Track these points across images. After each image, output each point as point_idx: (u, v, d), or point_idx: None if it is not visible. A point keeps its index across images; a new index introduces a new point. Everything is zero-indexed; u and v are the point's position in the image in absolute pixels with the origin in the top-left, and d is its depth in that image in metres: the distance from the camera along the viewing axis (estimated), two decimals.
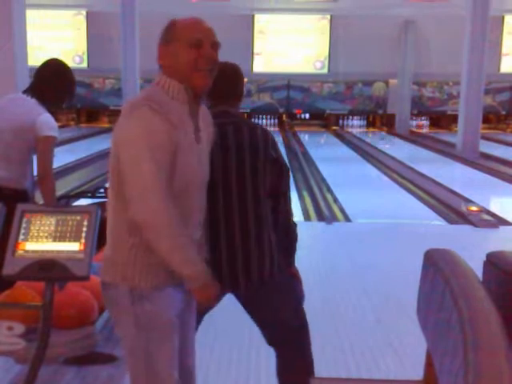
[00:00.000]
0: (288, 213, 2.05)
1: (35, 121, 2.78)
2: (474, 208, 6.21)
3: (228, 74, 2.04)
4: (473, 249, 3.68)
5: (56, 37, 17.56)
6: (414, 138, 15.74)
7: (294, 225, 2.07)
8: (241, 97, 2.06)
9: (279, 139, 15.07)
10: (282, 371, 2.09)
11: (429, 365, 1.58)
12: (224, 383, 2.60)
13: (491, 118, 18.14)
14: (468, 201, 6.65)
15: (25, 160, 2.92)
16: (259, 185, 1.92)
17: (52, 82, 2.87)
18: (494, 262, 1.78)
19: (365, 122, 18.72)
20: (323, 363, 2.79)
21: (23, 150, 2.86)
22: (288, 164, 2.06)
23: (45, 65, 2.93)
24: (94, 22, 17.23)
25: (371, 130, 18.29)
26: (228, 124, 1.93)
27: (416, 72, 16.98)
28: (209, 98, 1.93)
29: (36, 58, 15.33)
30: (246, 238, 1.89)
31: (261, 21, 17.53)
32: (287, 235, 2.04)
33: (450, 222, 6.00)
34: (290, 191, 2.07)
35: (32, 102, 2.85)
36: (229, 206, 1.88)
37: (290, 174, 2.06)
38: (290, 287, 2.07)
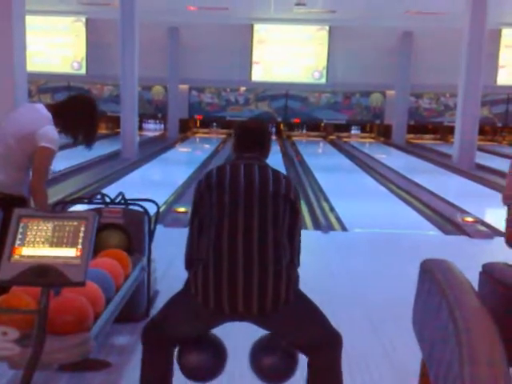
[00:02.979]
0: (297, 253, 2.15)
1: (37, 131, 2.81)
2: (469, 219, 6.23)
3: (256, 127, 2.25)
4: (468, 259, 3.69)
5: (55, 43, 17.59)
6: (410, 148, 15.80)
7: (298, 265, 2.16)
8: (267, 151, 2.22)
9: (277, 148, 15.11)
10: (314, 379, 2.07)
11: (424, 375, 1.58)
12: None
13: (487, 130, 18.22)
14: (463, 211, 6.67)
15: (24, 167, 2.93)
16: (279, 218, 2.02)
17: (75, 114, 2.93)
18: (489, 272, 1.79)
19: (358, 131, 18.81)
20: None
21: (23, 157, 2.89)
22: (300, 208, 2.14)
23: (79, 99, 3.02)
24: (93, 29, 17.28)
25: (368, 140, 18.35)
26: (254, 165, 2.09)
27: (413, 83, 17.07)
28: (236, 149, 2.18)
29: (35, 63, 15.40)
30: (263, 269, 1.94)
31: (260, 30, 17.63)
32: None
33: (446, 232, 6.01)
34: (300, 240, 2.16)
35: (44, 114, 2.89)
36: (249, 236, 1.96)
37: (301, 219, 2.17)
38: (306, 307, 2.07)
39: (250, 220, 1.97)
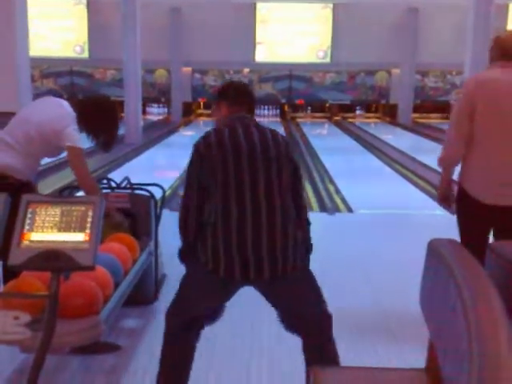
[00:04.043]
0: (306, 209, 2.16)
1: (63, 129, 2.85)
2: None
3: (244, 87, 2.26)
4: None
5: (57, 26, 17.48)
6: (416, 128, 15.69)
7: (309, 223, 2.16)
8: (254, 108, 2.25)
9: (281, 130, 15.05)
10: (309, 359, 2.10)
11: (431, 353, 1.59)
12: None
13: None
14: None
15: (38, 156, 2.99)
16: (283, 180, 2.02)
17: (99, 118, 2.97)
18: (496, 251, 1.79)
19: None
20: None
21: (41, 148, 2.93)
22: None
23: (104, 104, 3.05)
24: (94, 12, 17.14)
25: (374, 120, 18.24)
26: (251, 126, 2.09)
27: (419, 61, 16.88)
28: (233, 107, 2.15)
29: (37, 47, 15.31)
30: (272, 230, 1.96)
31: (263, 9, 17.42)
32: (305, 232, 2.13)
33: (452, 212, 5.99)
34: (303, 188, 2.19)
35: (70, 112, 2.93)
36: (256, 199, 1.97)
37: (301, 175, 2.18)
38: (311, 280, 2.11)
39: (256, 184, 1.97)
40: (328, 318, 2.10)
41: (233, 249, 1.94)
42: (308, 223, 2.16)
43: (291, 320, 2.09)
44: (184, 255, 2.13)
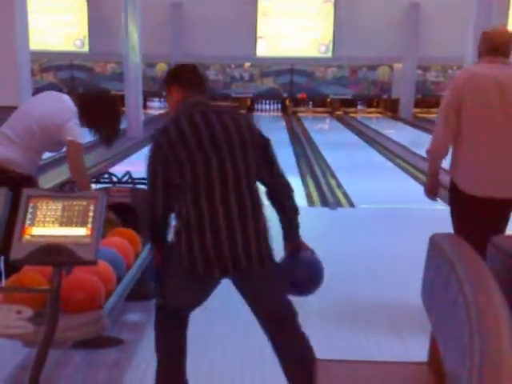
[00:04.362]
0: (288, 186, 2.09)
1: (64, 123, 2.85)
2: None
3: (192, 67, 2.15)
4: None
5: (58, 20, 17.42)
6: (418, 122, 15.66)
7: (294, 199, 2.11)
8: (207, 86, 2.16)
9: (282, 124, 15.02)
10: (286, 358, 2.10)
11: (433, 347, 1.60)
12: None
13: None
14: None
15: (39, 150, 2.99)
16: (251, 166, 1.98)
17: (102, 112, 2.96)
18: (498, 245, 1.79)
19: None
20: (326, 346, 2.81)
21: (42, 142, 2.94)
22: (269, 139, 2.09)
23: (106, 99, 3.04)
24: (95, 6, 17.08)
25: (375, 115, 18.19)
26: (210, 112, 2.00)
27: (420, 56, 16.82)
28: (180, 91, 2.05)
29: (37, 41, 15.27)
30: (244, 222, 1.94)
31: (264, 3, 17.35)
32: (293, 208, 2.09)
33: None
34: (278, 163, 2.10)
35: (71, 107, 2.93)
36: (226, 192, 1.93)
37: (272, 146, 2.10)
38: (278, 276, 2.09)
39: (224, 175, 1.93)
40: (292, 314, 2.10)
41: (208, 247, 1.93)
42: (294, 198, 2.11)
43: (261, 315, 2.09)
44: (156, 243, 2.13)
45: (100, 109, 2.97)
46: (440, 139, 2.85)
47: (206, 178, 1.92)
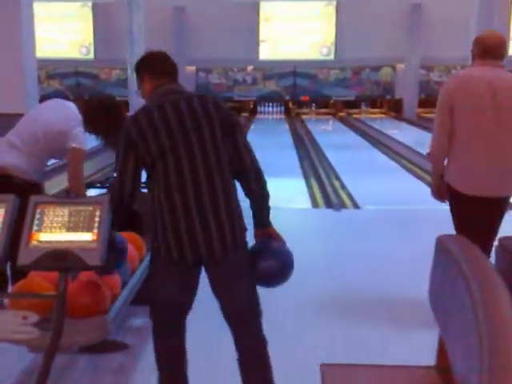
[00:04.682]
0: (258, 170, 2.05)
1: (69, 131, 2.87)
2: None
3: (164, 55, 2.14)
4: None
5: (63, 28, 17.54)
6: (422, 122, 15.63)
7: (264, 182, 2.07)
8: (177, 73, 2.14)
9: (285, 127, 15.03)
10: (243, 359, 2.09)
11: (441, 350, 1.59)
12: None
13: None
14: None
15: (44, 157, 3.01)
16: (221, 151, 1.96)
17: (107, 118, 2.97)
18: (505, 246, 1.78)
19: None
20: (332, 349, 2.81)
21: (47, 149, 2.96)
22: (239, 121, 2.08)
23: (111, 105, 3.04)
24: (99, 13, 17.17)
25: (379, 115, 18.17)
26: (180, 99, 1.99)
27: (423, 56, 16.79)
28: (152, 80, 2.05)
29: (43, 49, 15.35)
30: (216, 208, 1.93)
31: (266, 8, 17.39)
32: (262, 194, 2.05)
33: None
34: (251, 148, 2.07)
35: (76, 115, 2.95)
36: (196, 179, 1.93)
37: (242, 130, 2.07)
38: (249, 265, 2.05)
39: (194, 162, 1.93)
40: (256, 314, 2.08)
41: (182, 234, 1.92)
42: (264, 182, 2.07)
43: (226, 306, 2.07)
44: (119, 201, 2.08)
45: (104, 114, 2.98)
46: (438, 140, 2.93)
47: (176, 167, 1.93)
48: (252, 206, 2.06)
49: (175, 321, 2.12)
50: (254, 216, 2.08)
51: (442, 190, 3.03)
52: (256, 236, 2.10)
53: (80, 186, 2.92)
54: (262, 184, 2.06)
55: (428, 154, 3.06)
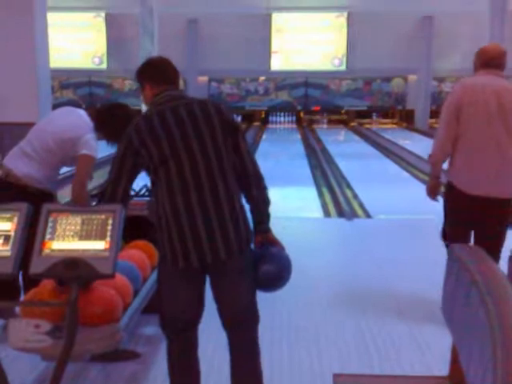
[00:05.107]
0: (258, 175, 2.06)
1: (80, 138, 2.90)
2: None
3: (164, 61, 2.16)
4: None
5: (76, 39, 17.76)
6: (433, 133, 15.56)
7: (266, 188, 2.08)
8: (179, 80, 2.15)
9: (297, 137, 15.05)
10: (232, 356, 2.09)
11: (454, 361, 1.57)
12: None
13: None
14: None
15: (57, 166, 3.04)
16: (223, 157, 1.97)
17: (119, 123, 2.97)
18: None
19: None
20: (345, 359, 2.78)
21: (59, 158, 2.98)
22: (239, 124, 2.09)
23: (120, 109, 3.09)
24: (112, 24, 17.37)
25: (391, 126, 18.13)
26: (180, 105, 2.00)
27: (435, 67, 16.77)
28: (153, 87, 2.06)
29: (57, 59, 15.56)
30: (220, 212, 1.94)
31: (278, 19, 17.50)
32: (262, 199, 2.06)
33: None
34: (252, 153, 2.08)
35: (87, 121, 2.99)
36: (199, 184, 1.93)
37: (244, 134, 2.07)
38: (252, 270, 2.05)
39: (196, 168, 1.93)
40: (254, 320, 2.08)
41: (187, 239, 1.93)
42: (265, 188, 2.07)
43: (224, 311, 2.07)
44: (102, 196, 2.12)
45: (114, 119, 3.01)
46: (442, 144, 3.10)
47: (178, 173, 1.94)
48: (252, 211, 2.07)
49: (185, 333, 2.11)
50: (254, 221, 2.08)
51: (437, 190, 3.28)
52: (255, 241, 2.10)
53: (82, 194, 2.92)
54: (262, 189, 2.06)
55: (429, 155, 3.24)
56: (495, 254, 3.00)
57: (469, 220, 3.11)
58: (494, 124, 2.98)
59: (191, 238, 1.93)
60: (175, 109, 1.99)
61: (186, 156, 1.94)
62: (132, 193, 3.41)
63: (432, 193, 3.31)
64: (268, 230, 2.09)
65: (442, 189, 3.30)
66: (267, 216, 2.08)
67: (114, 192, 2.02)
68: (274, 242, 2.10)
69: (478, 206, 3.05)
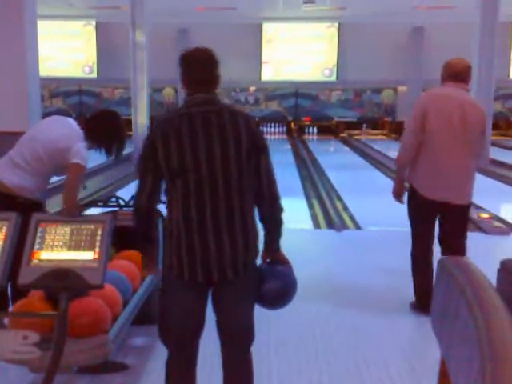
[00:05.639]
0: (274, 196, 2.03)
1: (70, 147, 2.90)
2: (485, 215, 6.17)
3: (203, 60, 2.00)
4: (484, 256, 3.67)
5: (66, 47, 17.73)
6: None
7: (281, 209, 2.06)
8: (218, 82, 2.02)
9: (287, 147, 15.09)
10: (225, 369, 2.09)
11: (443, 374, 1.57)
12: None
13: (501, 125, 18.04)
14: (479, 208, 6.61)
15: (46, 175, 3.03)
16: (243, 173, 1.92)
17: (108, 129, 3.03)
18: (508, 269, 1.78)
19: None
20: (334, 372, 2.78)
21: (49, 167, 2.97)
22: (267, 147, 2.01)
23: (107, 114, 3.11)
24: (103, 33, 17.38)
25: (380, 137, 18.25)
26: (211, 112, 1.92)
27: (425, 79, 16.93)
28: (186, 86, 1.96)
29: (47, 67, 15.52)
30: (231, 230, 1.91)
31: (269, 29, 17.61)
32: (274, 219, 2.05)
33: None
34: (272, 173, 2.03)
35: (77, 131, 2.99)
36: (215, 198, 1.90)
37: (268, 153, 2.02)
38: (254, 288, 2.04)
39: (215, 183, 1.89)
40: (251, 337, 2.07)
41: (196, 253, 1.91)
42: (280, 209, 2.05)
43: (223, 327, 2.05)
44: (142, 239, 2.09)
45: (103, 126, 3.02)
46: (408, 149, 3.33)
47: (196, 187, 1.89)
48: (264, 229, 2.06)
49: (184, 348, 2.07)
50: (265, 239, 2.07)
51: (402, 192, 3.56)
52: (263, 257, 2.10)
53: (73, 202, 2.91)
54: (275, 210, 2.04)
55: (396, 159, 3.48)
56: (456, 244, 3.36)
57: (428, 220, 3.41)
58: (456, 134, 3.21)
59: (200, 253, 1.91)
60: (205, 115, 1.91)
61: (207, 171, 1.88)
62: (121, 202, 3.40)
63: (398, 195, 3.58)
64: (277, 250, 2.09)
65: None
66: (278, 235, 2.07)
67: (140, 202, 1.98)
68: (282, 261, 2.10)
69: (437, 209, 3.34)
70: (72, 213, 2.82)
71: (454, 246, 3.37)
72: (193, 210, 1.90)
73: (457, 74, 3.29)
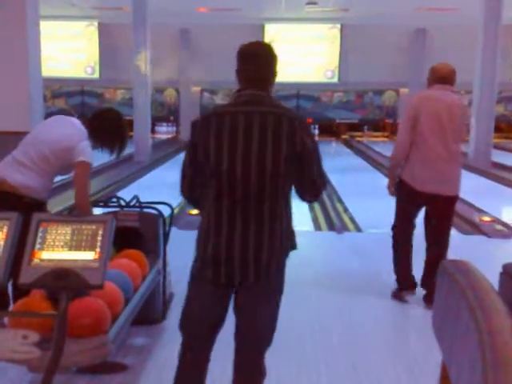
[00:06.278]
0: (316, 199, 2.10)
1: (76, 146, 2.91)
2: (486, 218, 6.16)
3: (256, 53, 1.96)
4: (486, 259, 3.66)
5: (68, 48, 17.75)
6: None
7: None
8: (270, 79, 1.97)
9: None
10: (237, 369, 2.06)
11: (444, 377, 1.57)
12: None
13: (503, 127, 18.02)
14: (480, 211, 6.60)
15: (51, 175, 3.03)
16: (278, 179, 1.89)
17: (111, 127, 3.05)
18: (510, 273, 1.77)
19: None
20: (334, 374, 2.77)
21: (55, 167, 2.98)
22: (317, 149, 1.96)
23: (109, 113, 3.13)
24: (105, 33, 17.40)
25: (382, 139, 18.24)
26: (254, 113, 1.87)
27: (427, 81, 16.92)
28: (238, 81, 1.94)
29: (49, 68, 15.52)
30: (259, 230, 1.90)
31: (271, 30, 17.61)
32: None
33: (463, 232, 5.95)
34: (320, 175, 2.01)
35: (81, 129, 3.00)
36: (247, 203, 1.89)
37: (317, 157, 1.96)
38: (278, 292, 2.03)
39: (247, 192, 1.87)
40: (268, 342, 2.04)
41: (221, 253, 1.91)
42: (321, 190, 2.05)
43: (242, 331, 2.03)
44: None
45: (105, 122, 3.05)
46: (403, 147, 3.60)
47: (229, 189, 1.88)
48: None
49: (196, 341, 2.04)
50: None
51: (395, 187, 3.80)
52: None
53: (86, 199, 2.93)
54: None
55: (391, 158, 3.75)
56: (440, 234, 3.66)
57: (414, 210, 3.73)
58: (445, 133, 3.49)
59: (225, 250, 1.90)
60: (248, 117, 1.86)
61: (241, 175, 1.86)
62: (122, 203, 3.40)
63: (391, 190, 3.87)
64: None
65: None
66: None
67: (185, 186, 2.01)
68: None
69: (425, 200, 3.62)
70: (85, 211, 2.82)
71: (439, 228, 3.67)
72: (224, 211, 1.90)
73: (443, 77, 3.57)
